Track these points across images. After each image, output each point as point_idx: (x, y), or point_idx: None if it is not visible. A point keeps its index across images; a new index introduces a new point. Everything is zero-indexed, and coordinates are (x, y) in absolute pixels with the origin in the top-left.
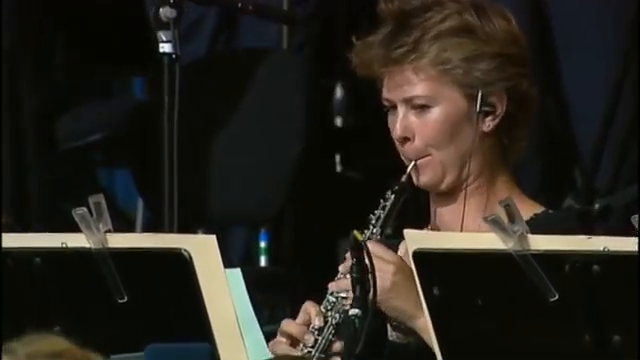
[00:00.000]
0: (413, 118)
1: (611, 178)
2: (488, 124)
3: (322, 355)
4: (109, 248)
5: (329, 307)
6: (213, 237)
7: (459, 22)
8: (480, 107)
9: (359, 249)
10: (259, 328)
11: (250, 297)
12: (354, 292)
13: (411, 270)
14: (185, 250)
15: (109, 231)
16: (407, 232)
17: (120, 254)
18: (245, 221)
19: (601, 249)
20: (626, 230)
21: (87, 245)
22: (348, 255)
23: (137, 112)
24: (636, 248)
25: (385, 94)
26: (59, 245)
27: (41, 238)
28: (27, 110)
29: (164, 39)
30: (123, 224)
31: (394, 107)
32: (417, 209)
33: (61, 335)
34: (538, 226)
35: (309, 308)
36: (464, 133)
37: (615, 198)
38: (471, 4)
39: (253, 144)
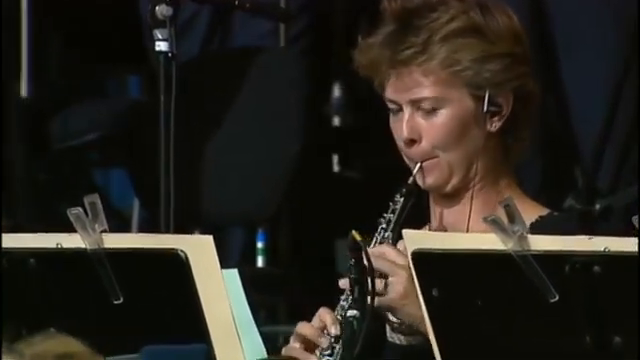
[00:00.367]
0: (420, 120)
1: (612, 178)
2: (494, 124)
3: None
4: (105, 248)
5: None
6: (210, 237)
7: (466, 22)
8: (488, 107)
9: (357, 250)
10: (256, 329)
11: (247, 298)
12: (353, 293)
13: None
14: (181, 250)
15: (105, 231)
16: (406, 232)
17: (116, 254)
18: (242, 221)
19: (602, 250)
20: (627, 230)
21: (82, 245)
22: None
23: (133, 111)
24: (636, 249)
25: (390, 95)
26: (54, 246)
27: (36, 238)
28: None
29: (160, 37)
30: (119, 224)
31: (398, 108)
32: (414, 210)
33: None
34: (544, 228)
35: (324, 315)
36: (471, 134)
37: (616, 198)
38: (475, 3)
39: (250, 143)
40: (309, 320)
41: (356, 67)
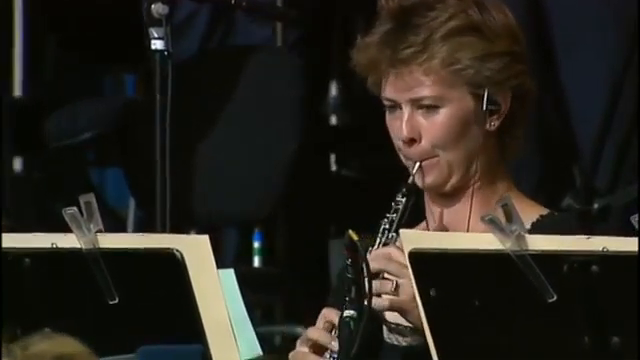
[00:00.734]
0: (420, 119)
1: (611, 177)
2: (493, 123)
3: None
4: (100, 248)
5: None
6: (206, 237)
7: (465, 21)
8: (487, 106)
9: (354, 249)
10: (252, 329)
11: (243, 297)
12: (349, 293)
13: None
14: (177, 250)
15: (100, 231)
16: (403, 232)
17: (111, 254)
18: (238, 221)
19: (600, 249)
20: (625, 230)
21: (78, 245)
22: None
23: (129, 110)
24: (635, 248)
25: (389, 94)
26: (49, 245)
27: (31, 238)
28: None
29: (156, 36)
30: (114, 224)
31: (396, 107)
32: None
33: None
34: (545, 228)
35: (329, 315)
36: (471, 133)
37: (615, 197)
38: (472, 1)
39: (247, 143)
40: (306, 320)
41: (354, 66)
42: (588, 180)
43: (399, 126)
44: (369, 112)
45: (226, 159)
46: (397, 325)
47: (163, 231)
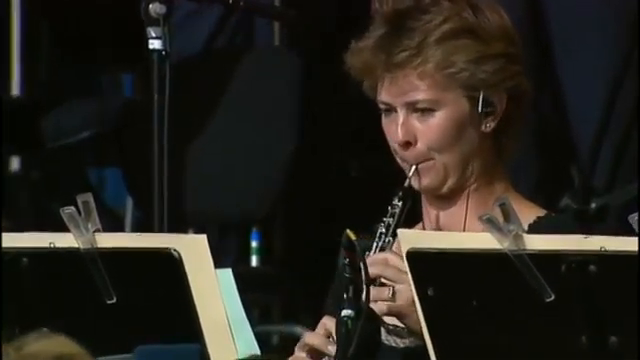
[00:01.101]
0: (415, 122)
1: (609, 176)
2: (489, 124)
3: None
4: (98, 248)
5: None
6: (203, 237)
7: (460, 23)
8: (482, 108)
9: (352, 249)
10: (250, 328)
11: (241, 297)
12: (346, 293)
13: None
14: (175, 250)
15: (98, 231)
16: (401, 232)
17: (109, 254)
18: (236, 221)
19: (598, 249)
20: (623, 229)
21: (75, 245)
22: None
23: (127, 110)
24: (634, 248)
25: (384, 97)
26: (47, 245)
27: (28, 238)
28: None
29: (154, 35)
30: (112, 223)
31: (392, 110)
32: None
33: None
34: (542, 230)
35: (329, 323)
36: (466, 135)
37: (614, 196)
38: (466, 3)
39: (245, 143)
40: (305, 320)
41: (348, 70)
42: (586, 179)
43: (395, 129)
44: (368, 113)
45: (224, 159)
46: (395, 327)
47: (161, 231)
